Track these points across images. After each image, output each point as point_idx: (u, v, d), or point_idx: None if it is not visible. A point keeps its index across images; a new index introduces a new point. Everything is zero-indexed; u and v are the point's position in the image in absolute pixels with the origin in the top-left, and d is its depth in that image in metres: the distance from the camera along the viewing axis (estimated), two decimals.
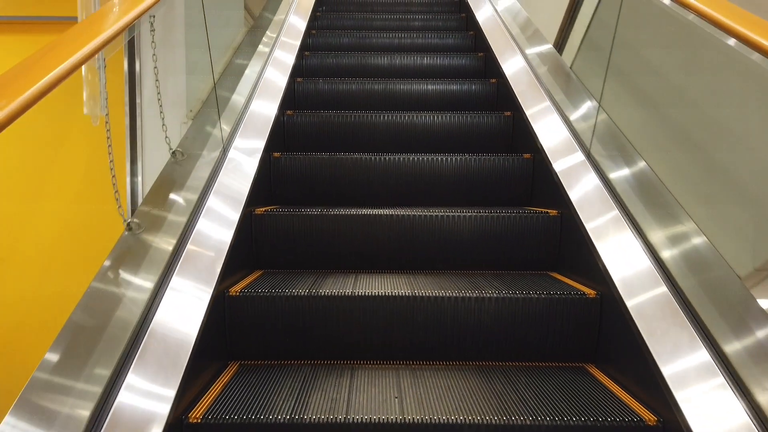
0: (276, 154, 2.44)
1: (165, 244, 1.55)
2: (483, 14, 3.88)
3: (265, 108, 2.58)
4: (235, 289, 1.70)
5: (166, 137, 1.87)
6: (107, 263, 1.39)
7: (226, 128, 2.21)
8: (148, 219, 1.58)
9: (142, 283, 1.41)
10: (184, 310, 1.43)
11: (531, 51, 2.98)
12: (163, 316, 1.36)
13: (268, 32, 3.20)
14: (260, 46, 3.01)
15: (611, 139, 2.03)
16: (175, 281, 1.47)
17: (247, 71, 2.68)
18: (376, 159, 2.44)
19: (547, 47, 2.91)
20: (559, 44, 3.34)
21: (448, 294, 1.69)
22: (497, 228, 2.07)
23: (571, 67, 2.51)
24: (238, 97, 2.46)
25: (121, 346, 1.23)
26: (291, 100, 3.11)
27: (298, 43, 3.46)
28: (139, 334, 1.29)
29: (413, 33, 4.16)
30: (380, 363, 1.70)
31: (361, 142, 2.78)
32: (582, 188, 1.96)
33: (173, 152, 1.88)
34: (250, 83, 2.62)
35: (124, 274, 1.41)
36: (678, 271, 1.46)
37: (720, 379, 1.20)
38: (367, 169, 2.45)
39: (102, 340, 1.22)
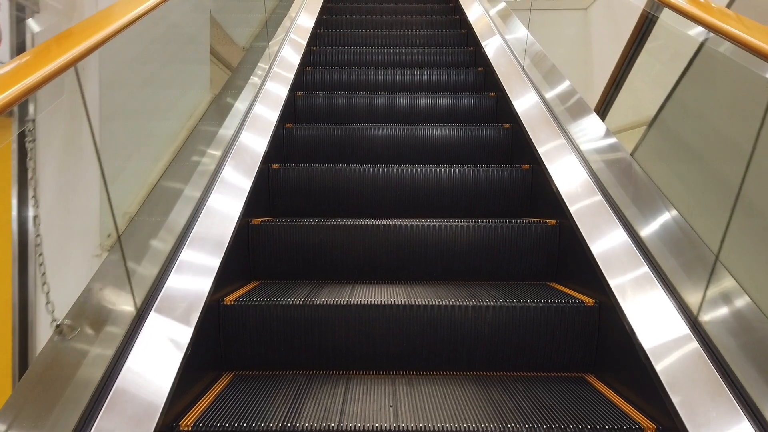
0: (275, 166, 2.44)
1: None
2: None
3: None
4: (230, 299, 1.69)
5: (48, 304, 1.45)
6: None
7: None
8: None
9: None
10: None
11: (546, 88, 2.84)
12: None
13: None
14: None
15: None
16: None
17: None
18: (375, 170, 2.44)
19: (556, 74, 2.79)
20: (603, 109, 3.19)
21: (444, 302, 1.67)
22: (495, 238, 2.06)
23: (632, 155, 1.92)
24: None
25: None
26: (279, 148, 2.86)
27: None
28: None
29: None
30: (376, 373, 1.68)
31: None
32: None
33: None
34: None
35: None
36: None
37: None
38: (366, 180, 2.45)
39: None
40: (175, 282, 1.49)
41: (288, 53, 3.43)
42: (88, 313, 1.28)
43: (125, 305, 1.37)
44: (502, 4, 3.93)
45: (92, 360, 1.22)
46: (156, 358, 1.29)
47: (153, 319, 1.37)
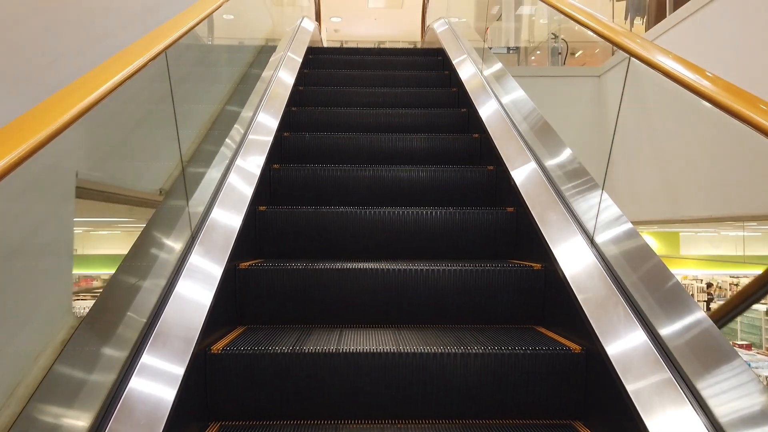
0: (261, 208, 2.45)
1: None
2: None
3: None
4: (217, 347, 1.68)
5: None
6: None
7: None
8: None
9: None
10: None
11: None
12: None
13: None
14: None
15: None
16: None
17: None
18: (362, 212, 2.46)
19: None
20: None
21: (433, 350, 1.68)
22: (481, 282, 2.07)
23: None
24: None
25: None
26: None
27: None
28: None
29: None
30: (365, 422, 1.67)
31: None
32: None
33: None
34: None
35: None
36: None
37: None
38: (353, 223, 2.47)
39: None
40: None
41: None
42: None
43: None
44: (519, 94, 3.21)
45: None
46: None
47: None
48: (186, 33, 1.91)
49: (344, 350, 1.68)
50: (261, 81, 3.44)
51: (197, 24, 2.08)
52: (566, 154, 2.40)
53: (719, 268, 9.09)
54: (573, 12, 2.58)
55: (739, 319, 8.17)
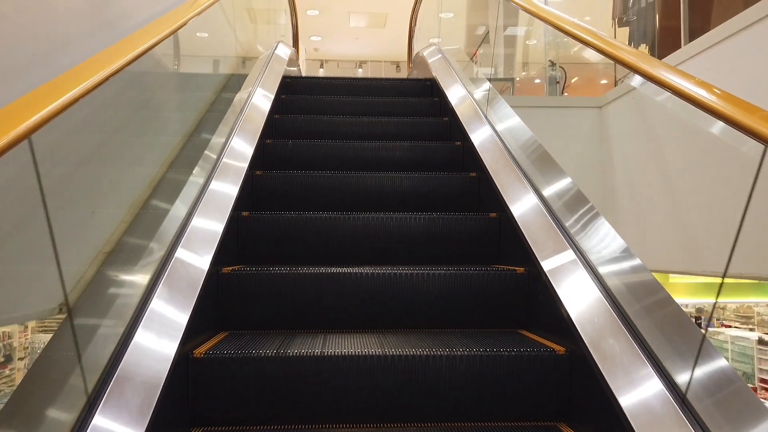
0: (245, 213, 2.43)
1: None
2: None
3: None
4: (200, 351, 1.65)
5: None
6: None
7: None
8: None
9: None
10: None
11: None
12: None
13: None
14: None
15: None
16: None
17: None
18: (345, 217, 2.46)
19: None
20: None
21: (418, 353, 1.67)
22: (465, 285, 2.08)
23: None
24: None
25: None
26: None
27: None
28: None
29: None
30: (351, 425, 1.65)
31: None
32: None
33: None
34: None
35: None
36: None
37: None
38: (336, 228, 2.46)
39: None
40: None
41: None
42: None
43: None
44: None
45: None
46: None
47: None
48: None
49: (328, 353, 1.67)
50: (218, 136, 2.68)
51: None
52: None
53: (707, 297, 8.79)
54: (599, 43, 2.14)
55: (729, 347, 7.85)
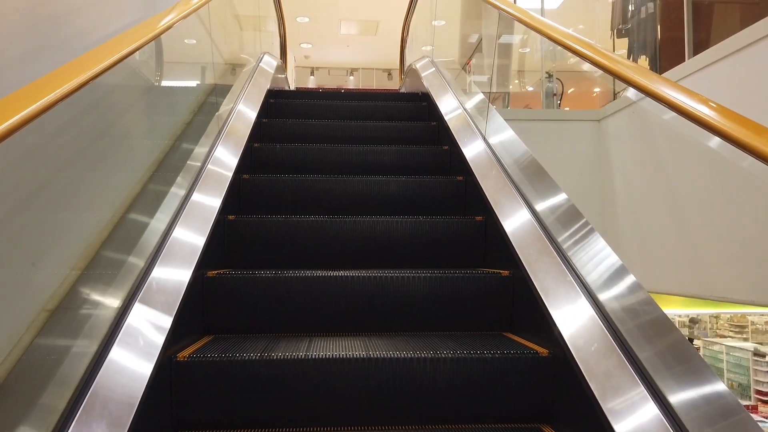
0: (231, 217, 2.43)
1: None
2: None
3: None
4: (183, 355, 1.65)
5: None
6: None
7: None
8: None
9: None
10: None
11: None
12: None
13: None
14: None
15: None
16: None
17: None
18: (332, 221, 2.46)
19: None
20: None
21: (402, 355, 1.68)
22: (451, 289, 2.09)
23: None
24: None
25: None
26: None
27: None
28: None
29: None
30: (335, 428, 1.65)
31: None
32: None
33: None
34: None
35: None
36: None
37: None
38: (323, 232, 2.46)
39: None
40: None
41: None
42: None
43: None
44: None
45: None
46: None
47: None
48: None
49: (313, 356, 1.67)
50: (193, 158, 2.47)
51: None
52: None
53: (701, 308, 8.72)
54: (597, 57, 2.03)
55: (724, 357, 7.71)
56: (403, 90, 5.94)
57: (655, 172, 3.73)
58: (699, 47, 3.79)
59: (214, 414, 1.64)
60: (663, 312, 1.51)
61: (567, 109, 6.14)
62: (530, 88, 6.91)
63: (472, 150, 2.88)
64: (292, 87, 8.95)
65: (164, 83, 2.86)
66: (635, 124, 4.04)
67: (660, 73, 4.57)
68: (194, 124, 2.74)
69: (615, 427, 1.30)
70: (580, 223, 1.94)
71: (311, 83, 15.28)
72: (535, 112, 5.75)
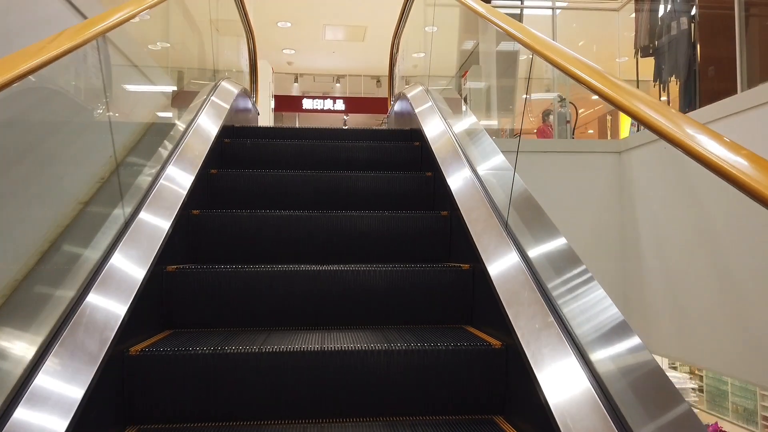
0: (195, 212, 2.42)
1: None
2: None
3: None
4: (136, 349, 1.64)
5: None
6: None
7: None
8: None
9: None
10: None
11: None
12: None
13: None
14: None
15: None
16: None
17: None
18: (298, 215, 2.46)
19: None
20: None
21: (357, 347, 1.68)
22: (412, 282, 2.09)
23: None
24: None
25: None
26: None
27: None
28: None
29: None
30: (287, 421, 1.65)
31: None
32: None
33: None
34: None
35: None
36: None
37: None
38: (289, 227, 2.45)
39: None
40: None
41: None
42: None
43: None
44: None
45: None
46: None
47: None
48: None
49: (267, 350, 1.66)
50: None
51: None
52: None
53: None
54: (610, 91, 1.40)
55: (728, 380, 7.09)
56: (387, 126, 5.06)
57: (693, 217, 3.11)
58: (754, 75, 2.93)
59: (165, 407, 1.63)
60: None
61: (582, 136, 5.37)
62: (532, 118, 6.20)
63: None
64: (267, 111, 7.95)
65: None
66: (665, 160, 3.45)
67: (701, 104, 3.85)
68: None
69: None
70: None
71: (295, 90, 14.87)
72: (549, 143, 4.97)
